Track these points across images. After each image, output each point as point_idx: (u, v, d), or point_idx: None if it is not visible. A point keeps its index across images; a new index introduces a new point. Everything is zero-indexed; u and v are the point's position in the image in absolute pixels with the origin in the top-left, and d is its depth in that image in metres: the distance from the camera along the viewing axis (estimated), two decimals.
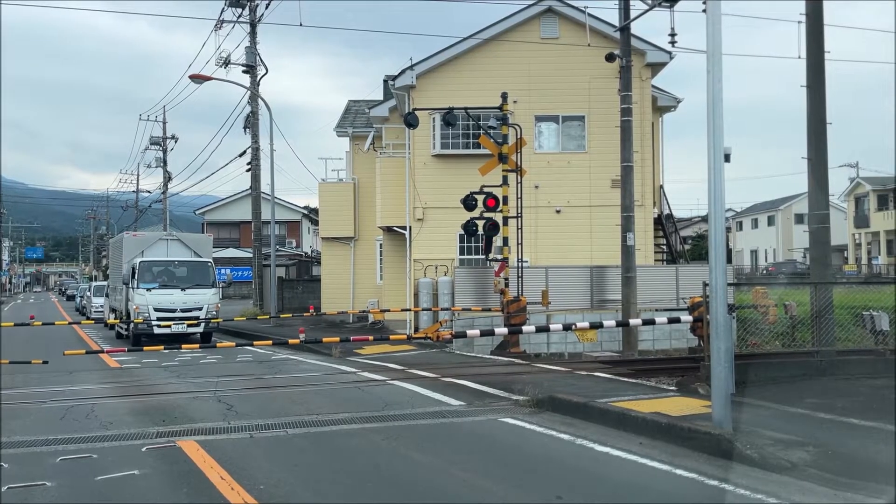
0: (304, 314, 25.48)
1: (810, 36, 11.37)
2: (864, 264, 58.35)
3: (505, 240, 16.18)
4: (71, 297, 60.29)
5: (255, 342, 16.08)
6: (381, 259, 25.39)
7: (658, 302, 17.64)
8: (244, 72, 28.64)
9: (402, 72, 20.93)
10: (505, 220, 16.16)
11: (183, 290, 21.11)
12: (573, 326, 13.02)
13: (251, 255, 31.91)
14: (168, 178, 48.75)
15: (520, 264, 16.79)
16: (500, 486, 5.93)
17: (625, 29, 15.86)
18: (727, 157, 8.71)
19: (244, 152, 29.86)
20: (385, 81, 25.37)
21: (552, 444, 7.42)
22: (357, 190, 26.48)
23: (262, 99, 28.51)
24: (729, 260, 22.72)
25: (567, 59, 20.70)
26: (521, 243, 17.01)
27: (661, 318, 14.12)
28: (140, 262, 21.40)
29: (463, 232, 16.99)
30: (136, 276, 20.96)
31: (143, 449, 7.40)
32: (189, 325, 20.88)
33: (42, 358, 14.32)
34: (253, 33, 28.53)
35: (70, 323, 26.82)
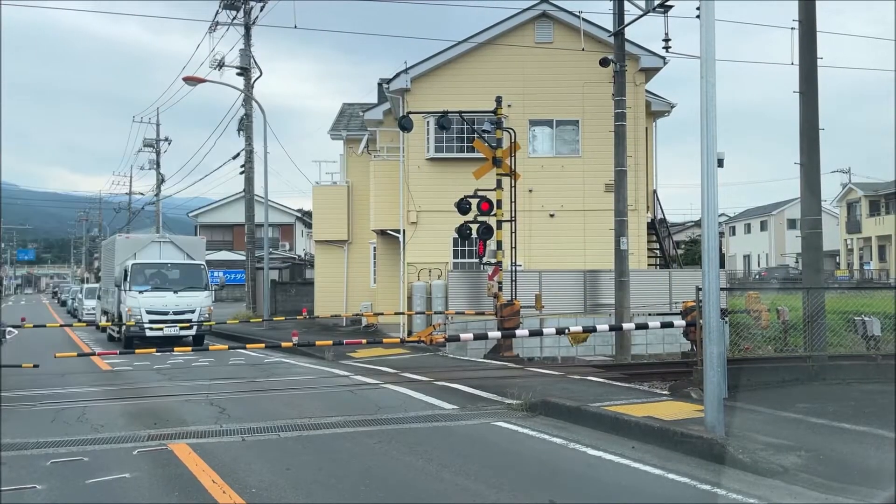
0: (298, 317, 25.44)
1: (803, 42, 11.42)
2: (856, 269, 58.62)
3: (499, 244, 16.20)
4: (64, 303, 56.19)
5: (247, 345, 16.00)
6: (374, 262, 25.37)
7: (651, 306, 17.66)
8: (238, 74, 28.60)
9: (397, 75, 20.93)
10: (499, 223, 16.17)
11: (175, 292, 21.06)
12: (566, 330, 13.02)
13: (244, 258, 31.83)
14: (161, 180, 48.67)
15: (513, 268, 16.79)
16: (493, 490, 5.92)
17: (619, 34, 15.90)
18: (720, 163, 8.76)
19: (238, 155, 29.82)
20: (379, 85, 25.37)
21: (545, 447, 7.42)
22: (351, 193, 26.47)
23: (257, 101, 28.48)
24: (722, 265, 22.81)
25: (561, 63, 20.74)
26: (515, 247, 17.02)
27: (654, 323, 14.16)
28: (132, 265, 21.33)
29: (457, 235, 17.04)
30: (128, 279, 20.88)
31: (135, 452, 7.37)
32: (181, 328, 20.83)
33: (33, 361, 14.22)
34: (247, 35, 28.50)
35: (62, 325, 26.69)
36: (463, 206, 15.90)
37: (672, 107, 23.11)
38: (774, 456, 6.32)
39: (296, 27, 20.62)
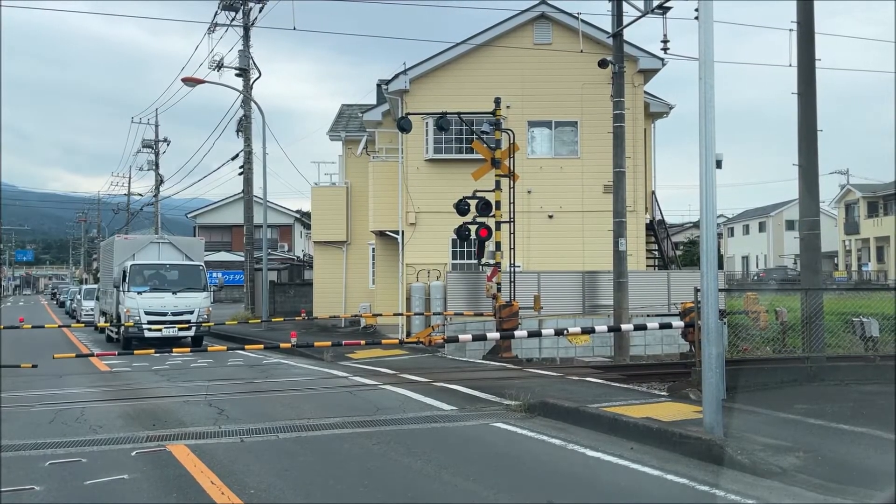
0: (296, 318, 25.44)
1: (802, 43, 11.42)
2: (855, 271, 58.68)
3: (497, 245, 16.20)
4: (62, 304, 55.97)
5: (246, 346, 15.99)
6: (373, 263, 25.38)
7: (650, 307, 17.67)
8: (237, 75, 28.60)
9: (396, 76, 20.94)
10: (497, 224, 16.17)
11: (174, 293, 21.06)
12: (565, 331, 13.03)
13: (243, 259, 31.82)
14: (160, 181, 48.65)
15: (512, 269, 16.81)
16: (492, 491, 5.92)
17: (617, 35, 15.91)
18: (719, 164, 8.77)
19: (236, 156, 29.81)
20: (378, 86, 25.38)
21: (543, 448, 7.42)
22: (350, 194, 26.48)
23: (255, 102, 28.48)
24: (720, 266, 22.85)
25: (560, 64, 20.76)
26: (514, 248, 17.04)
27: (653, 324, 14.15)
28: (131, 266, 21.33)
29: (455, 237, 17.06)
30: (127, 280, 20.88)
31: (133, 453, 7.36)
32: (180, 329, 20.83)
33: (31, 362, 14.22)
34: (246, 37, 28.51)
35: (60, 326, 26.67)
36: (461, 207, 15.91)
37: (671, 108, 23.14)
38: (773, 457, 6.32)
39: (294, 28, 20.66)
